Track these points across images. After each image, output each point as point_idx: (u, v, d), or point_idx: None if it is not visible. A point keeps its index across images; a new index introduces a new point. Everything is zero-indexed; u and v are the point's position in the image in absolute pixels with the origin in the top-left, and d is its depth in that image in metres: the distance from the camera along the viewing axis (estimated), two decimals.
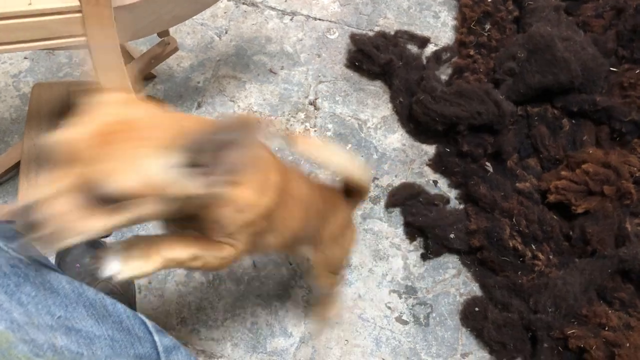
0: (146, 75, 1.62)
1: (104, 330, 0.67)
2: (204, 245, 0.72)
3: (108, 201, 0.58)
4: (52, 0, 0.98)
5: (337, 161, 1.01)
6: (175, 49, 1.52)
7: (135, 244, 0.67)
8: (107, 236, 0.97)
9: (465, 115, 1.49)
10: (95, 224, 0.59)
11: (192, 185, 0.63)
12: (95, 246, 1.16)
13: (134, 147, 0.59)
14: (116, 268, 0.64)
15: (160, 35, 1.48)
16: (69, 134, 0.58)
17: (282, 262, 1.43)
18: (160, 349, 0.73)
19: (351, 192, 1.11)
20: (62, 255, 1.17)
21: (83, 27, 0.99)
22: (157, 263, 0.67)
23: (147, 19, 1.15)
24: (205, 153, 0.62)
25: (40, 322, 0.60)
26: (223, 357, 1.33)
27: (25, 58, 1.69)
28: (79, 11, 0.97)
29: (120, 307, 0.72)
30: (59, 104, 1.45)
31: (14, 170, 1.46)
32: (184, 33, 1.78)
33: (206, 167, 0.63)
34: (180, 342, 1.31)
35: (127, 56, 1.55)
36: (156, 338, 0.73)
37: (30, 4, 0.93)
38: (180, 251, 0.70)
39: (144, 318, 0.75)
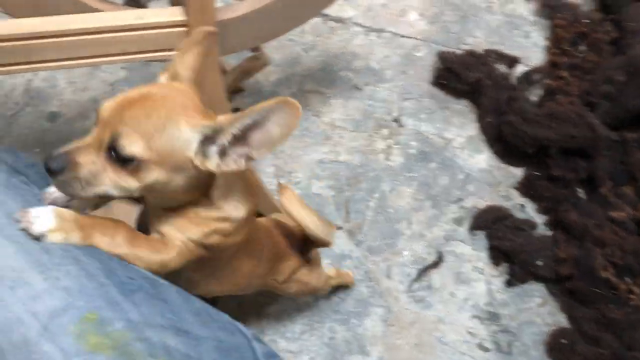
0: (235, 88, 1.66)
1: (210, 333, 0.69)
2: (141, 241, 0.73)
3: (122, 161, 0.65)
4: (160, 14, 1.02)
5: (309, 223, 1.06)
6: (266, 64, 1.55)
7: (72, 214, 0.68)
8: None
9: (557, 138, 1.44)
10: (106, 178, 0.66)
11: (208, 161, 0.69)
12: None
13: (152, 114, 0.65)
14: (48, 225, 0.64)
15: (252, 49, 1.52)
16: (107, 102, 0.67)
17: (362, 278, 1.42)
18: (259, 354, 0.74)
19: (311, 242, 1.13)
20: None
21: None
22: (80, 240, 0.67)
23: (244, 34, 1.18)
24: (224, 132, 0.67)
25: (153, 322, 0.62)
26: None
27: (122, 68, 1.77)
28: (185, 25, 1.00)
29: (223, 315, 0.74)
30: None
31: None
32: (272, 48, 1.81)
33: (222, 146, 0.68)
34: None
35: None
36: (255, 345, 0.74)
37: (141, 18, 0.97)
38: (109, 244, 0.69)
39: (242, 327, 0.76)
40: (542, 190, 1.49)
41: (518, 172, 1.57)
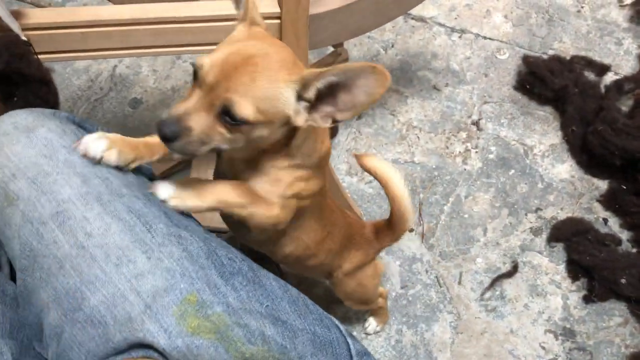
0: None
1: (306, 325, 0.68)
2: (255, 199, 0.77)
3: (234, 123, 0.68)
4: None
5: (394, 181, 1.03)
6: (346, 60, 1.54)
7: (192, 181, 0.74)
8: None
9: None
10: (218, 136, 0.69)
11: (298, 117, 0.72)
12: None
13: (256, 78, 0.67)
14: (169, 191, 0.70)
15: (334, 45, 1.51)
16: (207, 61, 0.68)
17: (431, 283, 1.39)
18: (353, 352, 0.73)
19: (392, 225, 1.08)
20: None
21: (279, 34, 1.03)
22: (210, 201, 0.73)
23: (332, 29, 1.17)
24: (310, 86, 0.70)
25: (252, 308, 0.63)
26: None
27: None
28: (279, 17, 1.00)
29: (320, 309, 0.73)
30: None
31: (186, 164, 1.55)
32: (351, 45, 1.80)
33: (309, 100, 0.71)
34: None
35: None
36: (349, 341, 0.74)
37: (238, 9, 0.98)
38: (234, 196, 0.74)
39: (337, 322, 0.75)
40: (628, 205, 1.42)
41: (602, 185, 1.50)
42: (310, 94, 0.70)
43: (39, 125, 0.73)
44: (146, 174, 0.80)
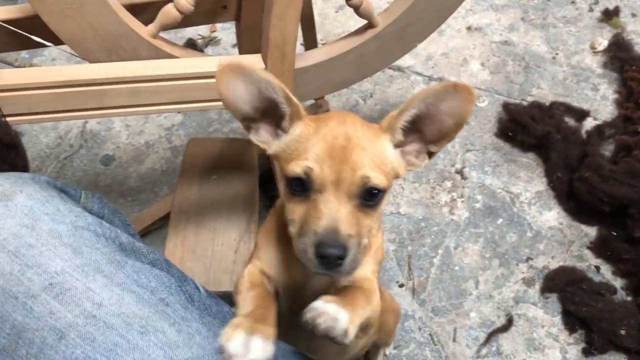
0: None
1: None
2: (362, 301, 0.65)
3: (369, 201, 0.63)
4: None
5: None
6: (328, 111, 1.51)
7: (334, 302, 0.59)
8: None
9: (638, 198, 1.35)
10: (364, 229, 0.63)
11: (401, 167, 0.68)
12: None
13: (365, 146, 0.63)
14: (345, 319, 0.57)
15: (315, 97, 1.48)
16: (311, 162, 0.62)
17: (425, 341, 1.33)
18: None
19: None
20: None
21: None
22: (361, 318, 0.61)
23: (316, 82, 1.14)
24: (394, 130, 0.66)
25: None
26: None
27: (178, 112, 1.75)
28: None
29: None
30: (212, 160, 1.47)
31: (162, 222, 1.48)
32: (330, 95, 1.77)
33: (400, 144, 0.67)
34: None
35: None
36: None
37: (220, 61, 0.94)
38: (364, 307, 0.64)
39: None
40: (619, 252, 1.39)
41: (591, 232, 1.48)
42: (399, 136, 0.67)
43: (17, 192, 0.66)
44: (119, 231, 0.72)
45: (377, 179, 0.62)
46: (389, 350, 1.30)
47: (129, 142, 1.67)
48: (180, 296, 0.64)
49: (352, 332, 0.57)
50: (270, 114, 0.67)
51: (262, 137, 0.69)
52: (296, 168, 0.62)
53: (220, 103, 1.00)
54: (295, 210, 0.63)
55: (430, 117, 0.64)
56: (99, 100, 0.95)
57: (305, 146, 0.63)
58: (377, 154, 0.64)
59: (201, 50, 1.88)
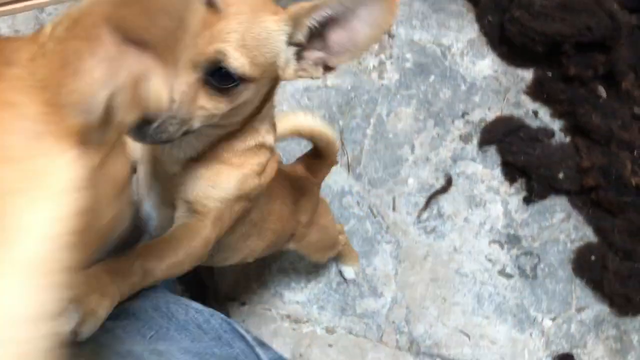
0: None
1: (202, 349, 0.57)
2: (178, 243, 0.59)
3: (217, 83, 0.53)
4: None
5: (305, 123, 0.89)
6: None
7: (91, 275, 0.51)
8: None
9: (571, 32, 1.26)
10: (198, 109, 0.54)
11: (288, 68, 0.57)
12: None
13: (244, 21, 0.53)
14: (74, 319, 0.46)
15: None
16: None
17: (365, 215, 1.29)
18: None
19: (321, 153, 0.95)
20: None
21: None
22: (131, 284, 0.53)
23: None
24: (300, 26, 0.55)
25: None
26: (310, 322, 1.23)
27: None
28: None
29: (219, 322, 0.62)
30: None
31: None
32: None
33: (299, 44, 0.57)
34: (264, 307, 1.23)
35: None
36: (259, 351, 0.62)
37: None
38: (157, 262, 0.56)
39: (243, 331, 0.63)
40: (556, 93, 1.33)
41: (527, 75, 1.40)
42: (301, 35, 0.56)
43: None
44: None
45: (237, 62, 0.52)
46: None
47: None
48: None
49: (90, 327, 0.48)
50: None
51: None
52: None
53: None
54: None
55: (343, 23, 0.54)
56: None
57: None
58: (255, 36, 0.53)
59: None
